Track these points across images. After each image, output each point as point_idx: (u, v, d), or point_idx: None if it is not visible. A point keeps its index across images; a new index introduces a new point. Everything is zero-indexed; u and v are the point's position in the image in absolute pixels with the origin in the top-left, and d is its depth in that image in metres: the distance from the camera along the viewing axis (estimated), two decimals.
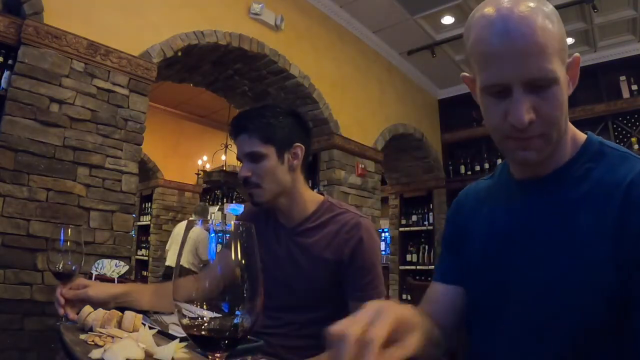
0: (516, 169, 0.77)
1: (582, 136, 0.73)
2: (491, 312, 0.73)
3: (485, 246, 0.77)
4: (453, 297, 0.82)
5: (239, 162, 1.19)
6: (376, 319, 0.45)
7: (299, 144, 1.15)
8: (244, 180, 1.12)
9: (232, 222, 0.49)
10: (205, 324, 0.46)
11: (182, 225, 5.19)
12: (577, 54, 0.68)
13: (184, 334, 0.50)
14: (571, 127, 0.72)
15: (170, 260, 4.94)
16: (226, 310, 0.46)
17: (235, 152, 1.18)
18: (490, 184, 0.86)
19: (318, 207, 1.18)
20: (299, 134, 1.16)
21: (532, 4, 0.62)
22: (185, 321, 0.47)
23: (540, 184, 0.72)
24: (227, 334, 0.47)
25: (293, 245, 1.15)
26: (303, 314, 1.12)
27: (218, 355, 0.47)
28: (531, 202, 0.72)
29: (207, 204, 5.59)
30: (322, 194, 1.26)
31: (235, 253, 0.48)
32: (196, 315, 0.47)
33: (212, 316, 0.47)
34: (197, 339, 0.47)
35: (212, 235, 0.50)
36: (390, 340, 0.45)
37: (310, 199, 1.19)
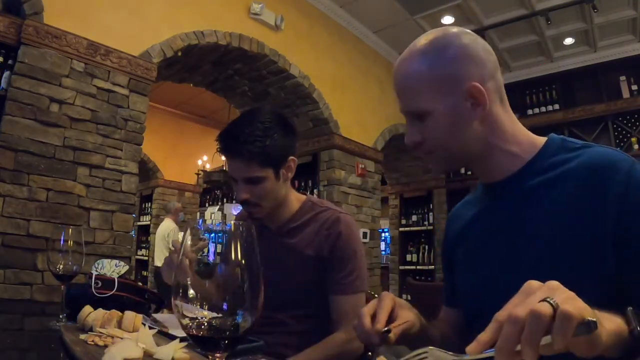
0: (479, 175, 0.82)
1: (541, 139, 0.77)
2: (481, 309, 0.75)
3: (464, 251, 0.83)
4: (453, 318, 0.88)
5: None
6: (378, 303, 0.60)
7: (292, 157, 1.16)
8: (243, 201, 1.12)
9: (232, 222, 0.49)
10: (205, 324, 0.46)
11: (163, 225, 5.39)
12: (474, 83, 0.70)
13: (184, 334, 0.50)
14: (528, 134, 0.77)
15: (158, 260, 5.38)
16: (226, 310, 0.47)
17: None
18: (472, 198, 0.91)
19: (300, 207, 1.21)
20: (290, 145, 1.15)
21: (416, 47, 0.74)
22: (185, 321, 0.47)
23: (503, 184, 0.76)
24: (227, 334, 0.47)
25: (278, 245, 1.18)
26: (290, 312, 1.14)
27: (218, 355, 0.47)
28: (497, 198, 0.77)
29: (175, 202, 5.77)
30: (304, 193, 1.28)
31: (235, 253, 0.48)
32: (196, 315, 0.47)
33: (212, 316, 0.47)
34: (197, 339, 0.47)
35: (213, 235, 0.50)
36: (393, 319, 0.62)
37: (294, 200, 1.22)
